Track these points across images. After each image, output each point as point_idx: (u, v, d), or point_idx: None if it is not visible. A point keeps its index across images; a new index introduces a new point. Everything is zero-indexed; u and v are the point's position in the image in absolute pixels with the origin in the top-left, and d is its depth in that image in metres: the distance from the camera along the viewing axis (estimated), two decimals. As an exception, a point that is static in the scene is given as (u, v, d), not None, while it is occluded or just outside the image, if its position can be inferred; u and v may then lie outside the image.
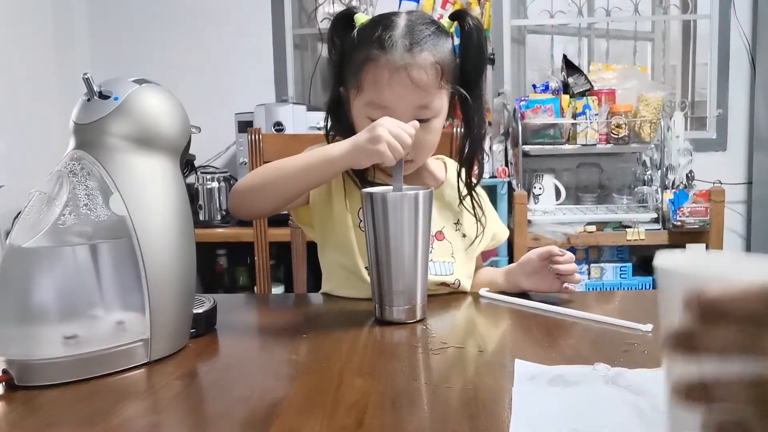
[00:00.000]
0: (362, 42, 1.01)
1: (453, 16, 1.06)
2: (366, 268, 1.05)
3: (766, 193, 2.78)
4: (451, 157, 1.27)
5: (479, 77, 1.06)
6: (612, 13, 3.07)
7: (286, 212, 1.45)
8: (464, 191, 1.14)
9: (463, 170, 1.12)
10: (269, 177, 0.98)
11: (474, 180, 1.13)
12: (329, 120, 1.11)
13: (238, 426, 0.61)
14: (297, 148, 1.15)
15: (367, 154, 0.90)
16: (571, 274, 1.03)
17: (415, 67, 0.98)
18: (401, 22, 1.02)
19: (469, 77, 1.05)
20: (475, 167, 1.13)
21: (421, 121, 0.99)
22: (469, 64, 1.05)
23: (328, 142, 1.09)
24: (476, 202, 1.15)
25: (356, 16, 1.05)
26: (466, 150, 1.10)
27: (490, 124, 2.76)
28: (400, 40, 0.99)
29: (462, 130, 1.11)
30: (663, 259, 0.42)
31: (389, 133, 0.89)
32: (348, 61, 1.04)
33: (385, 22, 1.01)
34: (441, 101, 1.03)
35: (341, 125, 1.09)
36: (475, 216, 1.14)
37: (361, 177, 1.07)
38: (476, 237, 1.14)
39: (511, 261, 2.63)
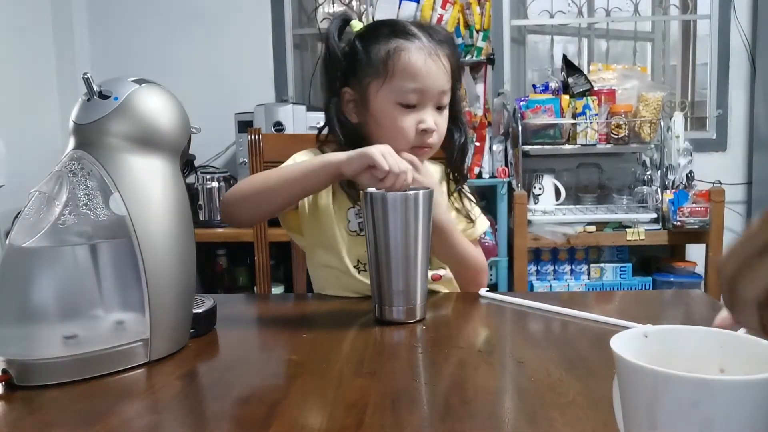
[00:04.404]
0: (380, 36, 1.06)
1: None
2: (355, 267, 1.09)
3: (766, 193, 2.78)
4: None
5: (458, 82, 1.13)
6: (612, 14, 3.07)
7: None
8: (452, 187, 1.17)
9: (452, 171, 1.16)
10: (268, 183, 1.00)
11: (463, 176, 1.18)
12: (327, 122, 1.12)
13: (238, 426, 0.61)
14: (297, 148, 1.15)
15: (361, 156, 0.92)
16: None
17: (441, 53, 1.06)
18: (407, 21, 1.09)
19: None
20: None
21: (440, 108, 1.07)
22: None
23: (320, 144, 1.12)
24: (467, 197, 1.18)
25: (352, 22, 1.10)
26: (456, 149, 1.14)
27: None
28: (421, 32, 1.06)
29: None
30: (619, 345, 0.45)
31: (386, 150, 0.92)
32: (364, 57, 1.06)
33: (394, 21, 1.09)
34: (450, 91, 1.09)
35: (339, 127, 1.09)
36: (465, 211, 1.17)
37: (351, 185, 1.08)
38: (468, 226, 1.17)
39: (510, 261, 2.63)
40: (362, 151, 0.92)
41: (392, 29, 1.06)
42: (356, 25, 1.10)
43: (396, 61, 1.03)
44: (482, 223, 1.21)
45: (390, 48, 1.04)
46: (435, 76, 1.04)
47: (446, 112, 1.09)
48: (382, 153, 0.91)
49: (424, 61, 1.03)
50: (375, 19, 1.16)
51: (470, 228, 1.17)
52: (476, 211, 1.20)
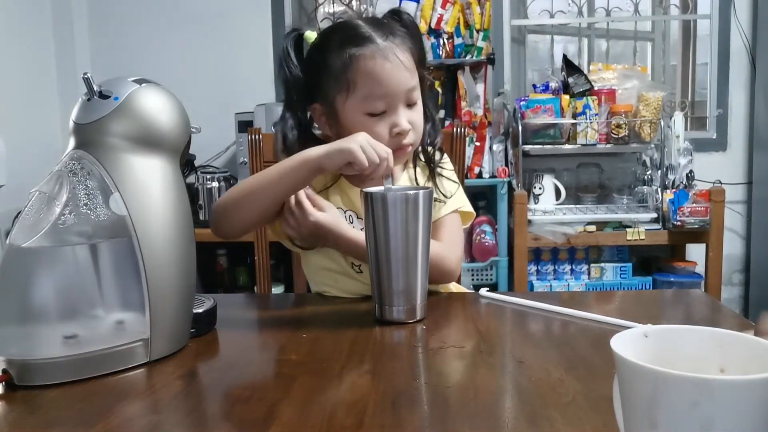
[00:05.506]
0: (332, 45, 1.02)
1: (390, 14, 1.08)
2: (352, 265, 1.07)
3: (766, 193, 2.78)
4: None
5: (423, 68, 1.09)
6: (612, 13, 3.07)
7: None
8: (426, 173, 1.13)
9: (424, 155, 1.13)
10: (251, 187, 0.99)
11: (437, 157, 1.14)
12: (290, 141, 1.07)
13: (238, 426, 0.61)
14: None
15: (340, 151, 0.92)
16: None
17: (398, 50, 1.01)
18: (359, 21, 1.03)
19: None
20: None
21: (410, 105, 1.03)
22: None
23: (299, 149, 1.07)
24: (443, 179, 1.12)
25: (306, 34, 1.06)
26: (428, 135, 1.11)
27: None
28: (374, 31, 1.01)
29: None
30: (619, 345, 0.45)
31: (365, 141, 0.93)
32: (324, 71, 1.03)
33: (345, 25, 1.04)
34: (418, 84, 1.06)
35: (310, 144, 1.05)
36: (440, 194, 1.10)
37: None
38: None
39: (511, 261, 2.63)
40: (340, 146, 0.92)
41: (344, 35, 1.01)
42: (311, 36, 1.06)
43: (355, 72, 0.99)
44: (451, 204, 1.11)
45: (345, 58, 0.99)
46: (397, 78, 1.00)
47: (419, 106, 1.05)
48: (360, 146, 0.91)
49: (383, 66, 0.99)
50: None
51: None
52: (445, 193, 1.12)
